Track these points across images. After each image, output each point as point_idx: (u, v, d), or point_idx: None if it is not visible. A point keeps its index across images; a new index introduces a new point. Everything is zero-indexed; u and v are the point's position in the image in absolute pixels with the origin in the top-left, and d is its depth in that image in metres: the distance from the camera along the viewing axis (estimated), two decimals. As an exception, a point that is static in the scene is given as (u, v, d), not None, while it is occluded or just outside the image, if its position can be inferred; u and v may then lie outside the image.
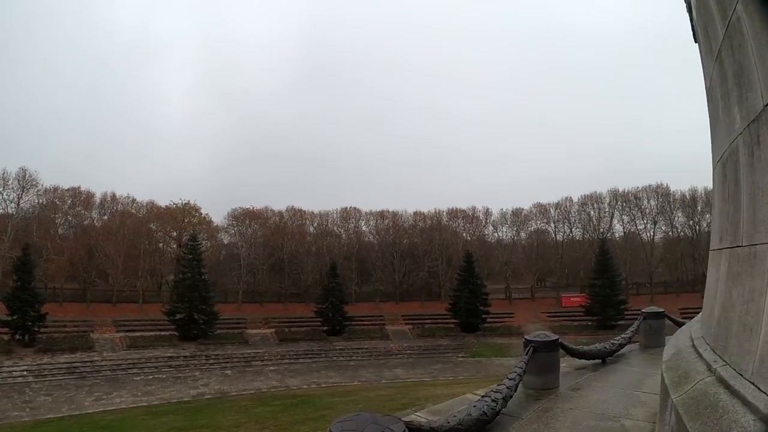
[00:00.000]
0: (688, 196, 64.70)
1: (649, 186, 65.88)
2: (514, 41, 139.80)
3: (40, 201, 57.09)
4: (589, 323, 54.68)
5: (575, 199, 68.61)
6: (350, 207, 68.97)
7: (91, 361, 40.78)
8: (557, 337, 5.99)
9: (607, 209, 68.01)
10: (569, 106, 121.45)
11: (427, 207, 71.52)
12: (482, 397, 4.24)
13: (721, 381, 2.45)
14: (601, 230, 66.57)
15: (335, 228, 69.51)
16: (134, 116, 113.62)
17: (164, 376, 40.09)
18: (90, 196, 60.73)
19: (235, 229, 66.64)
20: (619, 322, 52.59)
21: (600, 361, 7.02)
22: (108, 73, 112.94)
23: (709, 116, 4.10)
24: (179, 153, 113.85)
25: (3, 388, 34.24)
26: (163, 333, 47.10)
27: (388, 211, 68.87)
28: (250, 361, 45.43)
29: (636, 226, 67.91)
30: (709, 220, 63.65)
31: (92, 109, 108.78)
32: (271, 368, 44.01)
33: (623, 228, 68.59)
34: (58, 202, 58.82)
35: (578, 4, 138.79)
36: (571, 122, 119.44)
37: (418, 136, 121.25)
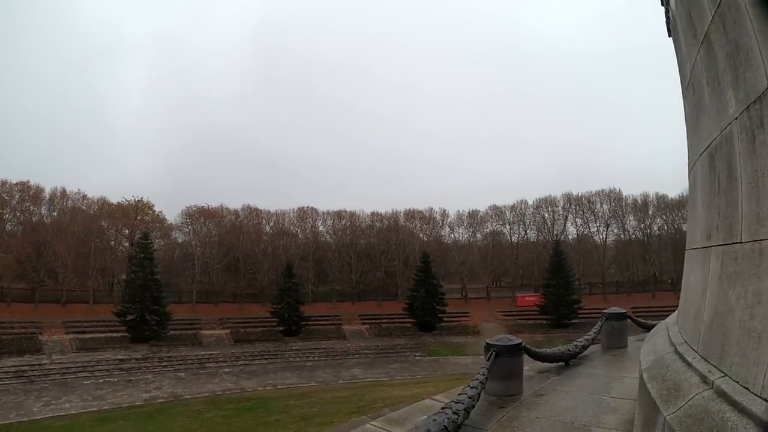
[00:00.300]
0: (639, 201, 67.05)
1: (602, 191, 67.92)
2: (476, 59, 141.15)
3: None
4: (544, 322, 55.88)
5: (530, 202, 70.21)
6: (307, 206, 68.40)
7: (39, 365, 39.15)
8: (521, 340, 5.68)
9: (561, 212, 69.79)
10: (527, 120, 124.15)
11: (384, 208, 71.62)
12: (442, 409, 3.87)
13: (723, 395, 2.15)
14: (555, 232, 68.12)
15: (292, 227, 68.75)
16: (88, 113, 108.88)
17: (115, 379, 38.68)
18: (39, 191, 57.89)
19: (190, 227, 64.87)
20: (573, 321, 54.34)
21: (563, 363, 6.79)
22: (65, 69, 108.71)
23: (687, 110, 3.89)
24: (133, 151, 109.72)
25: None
26: (114, 334, 45.59)
27: (346, 212, 68.55)
28: (204, 363, 44.31)
29: (589, 229, 69.75)
30: (660, 224, 66.31)
31: (47, 105, 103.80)
32: (226, 370, 43.01)
33: (576, 230, 70.48)
34: (6, 197, 55.99)
35: (534, 30, 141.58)
36: (528, 135, 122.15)
37: (377, 144, 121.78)
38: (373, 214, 69.50)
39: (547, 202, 69.47)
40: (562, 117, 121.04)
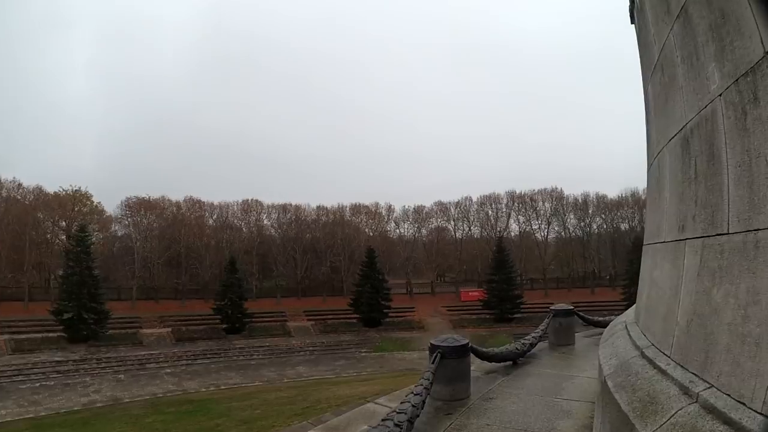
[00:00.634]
0: (580, 200, 69.54)
1: (545, 189, 70.05)
2: (431, 54, 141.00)
3: None
4: (487, 316, 56.85)
5: (474, 199, 71.70)
6: (251, 199, 67.21)
7: (-29, 369, 36.62)
8: (467, 340, 5.34)
9: (504, 209, 71.61)
10: (474, 116, 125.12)
11: (330, 201, 71.38)
12: (383, 421, 3.46)
13: (713, 411, 1.83)
14: (499, 229, 69.85)
15: (235, 221, 67.35)
16: (21, 93, 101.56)
17: (52, 383, 36.40)
18: (-32, 178, 53.99)
19: (130, 219, 62.47)
20: (516, 316, 55.77)
21: (511, 362, 6.54)
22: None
23: (651, 96, 3.65)
24: (71, 135, 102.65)
25: None
26: (50, 334, 43.36)
27: (291, 205, 67.82)
28: (144, 363, 42.58)
29: (531, 226, 71.74)
30: (599, 223, 68.97)
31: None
32: (168, 371, 41.35)
33: (519, 227, 72.56)
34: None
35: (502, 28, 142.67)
36: (475, 131, 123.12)
37: (327, 130, 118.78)
38: (318, 207, 69.19)
39: (491, 199, 71.12)
40: (505, 114, 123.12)
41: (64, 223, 58.91)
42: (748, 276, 1.84)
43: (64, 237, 57.83)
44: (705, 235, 2.26)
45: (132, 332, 47.63)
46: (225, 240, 63.21)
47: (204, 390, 34.95)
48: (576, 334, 8.21)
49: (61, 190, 58.80)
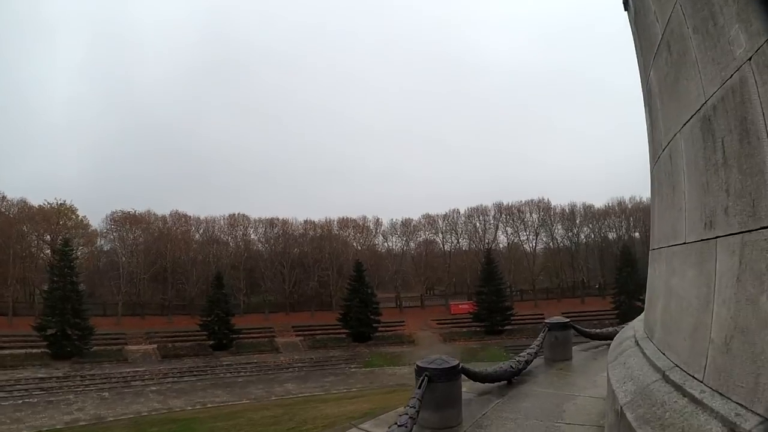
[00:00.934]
0: (567, 210, 69.61)
1: (532, 200, 69.95)
2: (420, 61, 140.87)
3: None
4: (478, 329, 56.41)
5: (462, 211, 71.31)
6: (238, 213, 66.45)
7: (-48, 385, 35.92)
8: (458, 361, 4.81)
9: (492, 221, 71.42)
10: (461, 127, 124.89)
11: (317, 215, 70.47)
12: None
13: None
14: (487, 241, 69.50)
15: (222, 235, 66.53)
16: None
17: (35, 400, 35.83)
18: (-49, 191, 53.24)
19: (115, 234, 61.59)
20: (506, 327, 55.52)
21: (505, 382, 6.07)
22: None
23: (656, 80, 3.26)
24: (55, 146, 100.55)
25: None
26: (34, 351, 42.42)
27: (278, 219, 66.93)
28: (129, 381, 41.74)
29: (519, 237, 71.56)
30: (587, 232, 69.29)
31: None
32: (153, 388, 40.62)
33: (507, 239, 72.23)
34: None
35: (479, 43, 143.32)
36: (462, 143, 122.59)
37: (312, 141, 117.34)
38: (306, 222, 68.47)
39: (479, 211, 70.92)
40: (494, 127, 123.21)
41: (48, 237, 58.00)
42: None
43: (48, 251, 57.02)
44: (744, 230, 1.83)
45: (117, 349, 46.69)
46: (212, 255, 62.39)
47: (190, 408, 34.41)
48: (573, 347, 7.77)
49: (46, 203, 57.85)
